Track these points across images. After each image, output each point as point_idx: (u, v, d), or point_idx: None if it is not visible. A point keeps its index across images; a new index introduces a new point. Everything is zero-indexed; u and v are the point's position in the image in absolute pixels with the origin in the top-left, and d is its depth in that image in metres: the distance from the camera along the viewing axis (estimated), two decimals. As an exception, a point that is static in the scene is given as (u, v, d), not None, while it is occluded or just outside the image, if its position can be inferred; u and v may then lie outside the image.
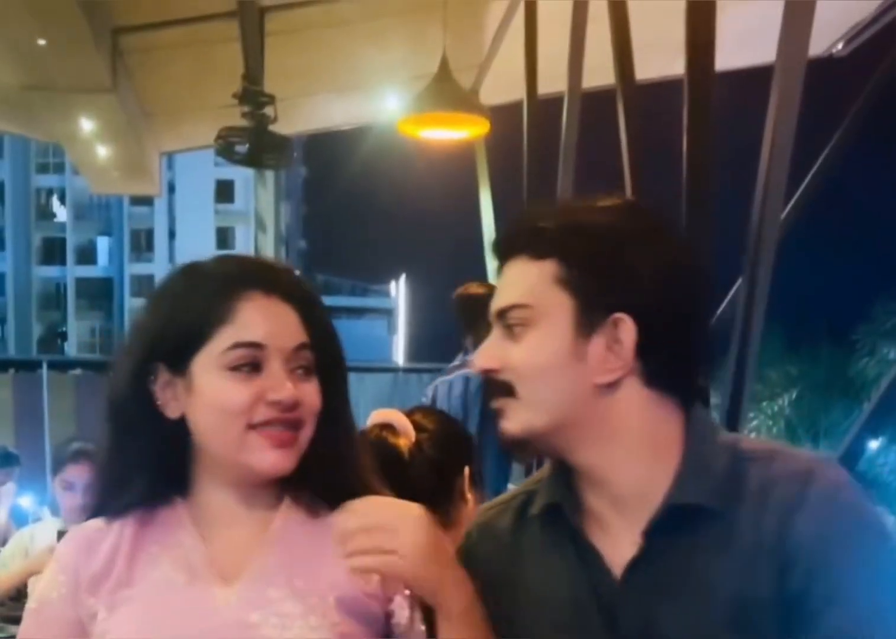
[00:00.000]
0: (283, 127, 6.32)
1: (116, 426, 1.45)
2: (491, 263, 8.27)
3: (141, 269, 57.66)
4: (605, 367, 1.32)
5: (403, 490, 2.07)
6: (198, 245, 53.51)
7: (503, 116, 6.88)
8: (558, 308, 1.33)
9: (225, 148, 6.17)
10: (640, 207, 1.42)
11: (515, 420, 1.36)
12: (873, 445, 17.56)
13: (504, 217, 7.55)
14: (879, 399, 6.03)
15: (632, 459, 1.34)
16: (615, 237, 1.33)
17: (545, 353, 1.33)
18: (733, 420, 4.78)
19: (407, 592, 1.45)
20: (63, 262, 58.95)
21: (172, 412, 1.43)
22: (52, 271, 59.03)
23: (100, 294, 58.76)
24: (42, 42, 5.97)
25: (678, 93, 5.03)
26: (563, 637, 1.38)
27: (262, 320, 1.42)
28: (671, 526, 1.31)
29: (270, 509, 1.48)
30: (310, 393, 1.43)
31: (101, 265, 59.39)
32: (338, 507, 1.46)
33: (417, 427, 2.18)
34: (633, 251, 1.32)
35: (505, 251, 1.40)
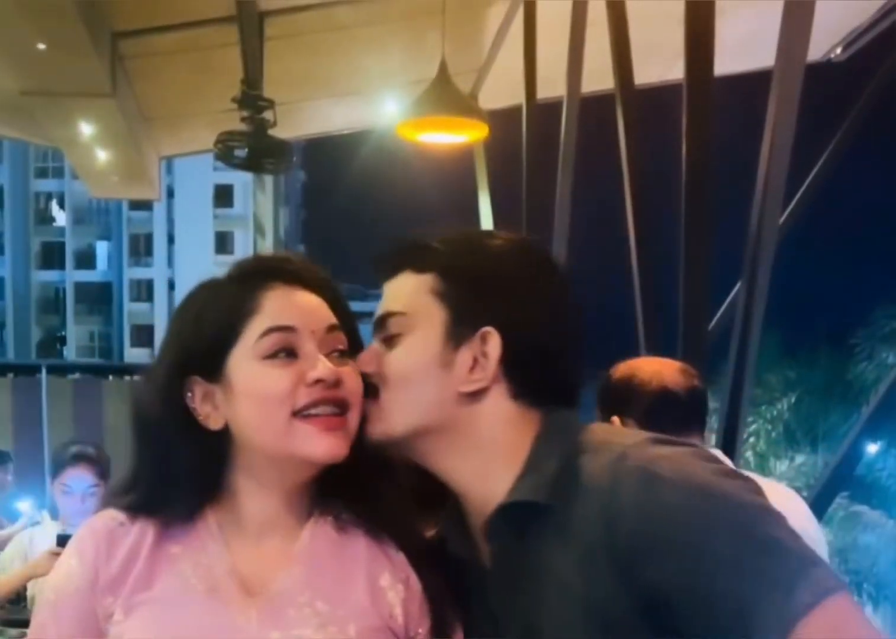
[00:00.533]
0: (282, 131, 6.32)
1: (153, 446, 1.43)
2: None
3: (140, 273, 57.71)
4: (469, 377, 1.36)
5: None
6: (197, 250, 53.57)
7: (502, 121, 6.90)
8: (431, 318, 1.38)
9: (224, 152, 6.18)
10: (530, 241, 1.49)
11: (375, 423, 1.40)
12: (872, 449, 17.56)
13: (503, 221, 7.56)
14: (878, 403, 6.04)
15: (489, 470, 1.37)
16: (496, 259, 1.41)
17: (413, 358, 1.38)
18: (732, 424, 4.79)
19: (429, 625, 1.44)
20: (62, 266, 58.95)
21: (216, 423, 1.41)
22: (51, 276, 59.04)
23: (99, 299, 58.76)
24: (42, 47, 5.97)
25: (677, 97, 5.04)
26: None
27: (289, 305, 1.41)
28: (512, 527, 1.34)
29: (300, 522, 1.45)
30: (349, 374, 1.41)
31: (101, 270, 59.40)
32: (368, 519, 1.45)
33: None
34: (512, 274, 1.40)
35: (389, 268, 1.45)
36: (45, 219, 59.94)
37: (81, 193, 47.19)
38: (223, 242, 56.31)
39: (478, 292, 1.38)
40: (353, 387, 1.41)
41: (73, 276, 58.36)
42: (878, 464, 18.44)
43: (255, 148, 6.07)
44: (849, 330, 20.08)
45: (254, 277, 1.43)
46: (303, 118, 7.39)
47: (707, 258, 5.22)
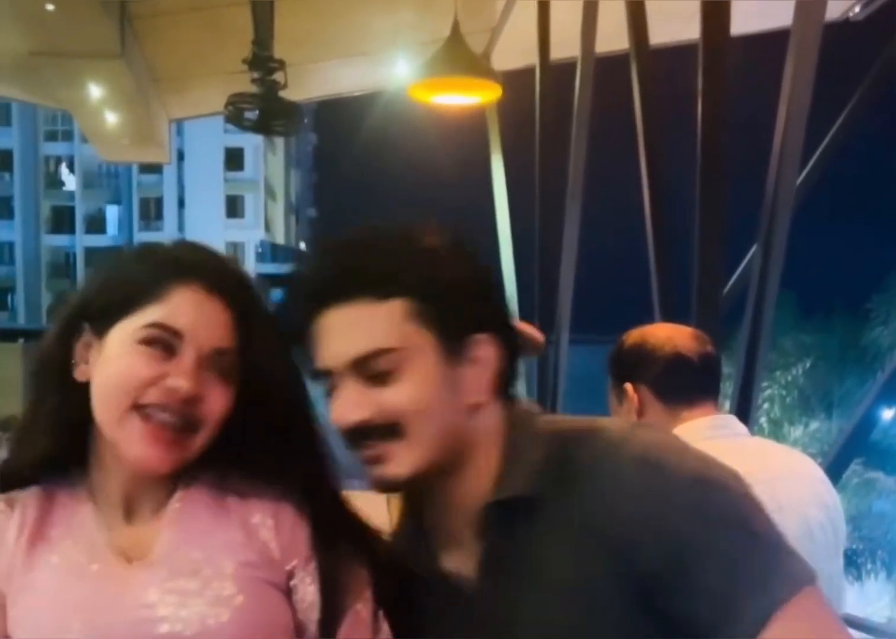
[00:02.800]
0: (293, 93, 6.27)
1: (35, 384, 1.42)
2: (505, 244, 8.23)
3: (150, 237, 57.63)
4: (475, 388, 1.33)
5: None
6: (207, 213, 53.63)
7: (515, 82, 6.82)
8: (421, 343, 1.30)
9: (234, 114, 6.13)
10: (430, 227, 1.39)
11: (403, 462, 1.32)
12: (887, 414, 17.56)
13: (516, 184, 7.51)
14: (893, 369, 6.01)
15: (482, 471, 1.34)
16: (452, 264, 1.33)
17: (424, 389, 1.30)
18: (746, 390, 4.76)
19: (312, 563, 1.40)
20: (72, 231, 59.04)
21: (80, 375, 1.39)
22: (61, 240, 59.13)
23: (110, 263, 58.85)
24: (50, 7, 5.92)
25: (693, 58, 4.98)
26: None
27: (190, 311, 1.38)
28: (502, 525, 1.31)
29: (169, 490, 1.41)
30: (216, 396, 1.37)
31: (111, 234, 59.48)
32: (238, 469, 1.42)
33: None
34: (470, 274, 1.34)
35: (331, 297, 1.32)
36: (55, 183, 59.99)
37: (91, 157, 47.16)
38: (234, 206, 56.35)
39: (455, 304, 1.31)
40: (212, 408, 1.37)
41: (83, 240, 58.45)
42: (894, 430, 18.46)
43: (265, 110, 6.02)
44: (864, 295, 20.06)
45: (178, 265, 1.40)
46: (313, 80, 7.33)
47: (722, 222, 5.19)
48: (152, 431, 1.35)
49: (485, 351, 1.32)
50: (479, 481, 1.33)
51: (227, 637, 1.31)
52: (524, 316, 6.80)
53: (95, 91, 7.12)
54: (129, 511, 1.40)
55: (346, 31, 7.04)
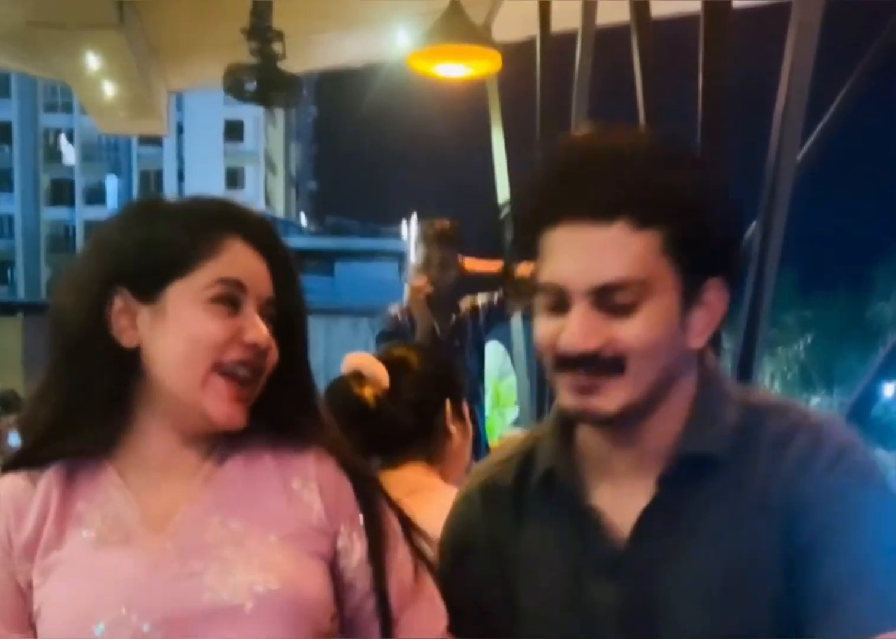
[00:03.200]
0: (292, 65, 6.24)
1: (61, 353, 1.38)
2: (511, 210, 8.17)
3: (151, 210, 57.55)
4: (700, 332, 1.30)
5: (377, 437, 2.07)
6: (207, 186, 53.30)
7: (516, 54, 6.77)
8: (667, 280, 1.26)
9: (233, 85, 6.11)
10: (706, 159, 1.36)
11: (615, 398, 1.27)
12: (888, 390, 17.58)
13: (517, 157, 7.47)
14: (895, 344, 5.99)
15: (669, 415, 1.32)
16: (710, 198, 1.28)
17: (661, 328, 1.26)
18: (746, 366, 4.74)
19: (359, 519, 1.41)
20: (72, 203, 58.90)
21: (129, 341, 1.36)
22: (60, 213, 58.99)
23: (109, 236, 58.71)
24: (47, -23, 5.87)
25: (694, 29, 4.95)
26: (559, 609, 1.34)
27: (245, 262, 1.38)
28: (682, 477, 1.29)
29: (203, 456, 1.41)
30: (274, 347, 1.39)
31: (111, 207, 59.22)
32: (272, 434, 1.43)
33: (399, 367, 2.16)
34: (727, 211, 1.30)
35: (593, 210, 1.25)
36: (54, 155, 59.80)
37: (91, 129, 46.92)
38: (234, 178, 56.24)
39: (705, 244, 1.26)
40: (272, 359, 1.39)
41: (82, 213, 58.28)
42: (895, 406, 18.48)
43: (264, 81, 6.00)
44: (866, 271, 20.04)
45: (218, 220, 1.39)
46: (313, 51, 7.28)
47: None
48: (236, 389, 1.36)
49: (717, 296, 1.29)
50: (663, 429, 1.31)
51: (275, 605, 1.30)
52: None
53: (94, 62, 7.07)
54: (165, 477, 1.39)
55: (345, 2, 6.99)
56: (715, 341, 2.39)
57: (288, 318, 1.42)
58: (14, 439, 6.96)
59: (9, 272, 57.90)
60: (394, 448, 2.14)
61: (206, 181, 53.40)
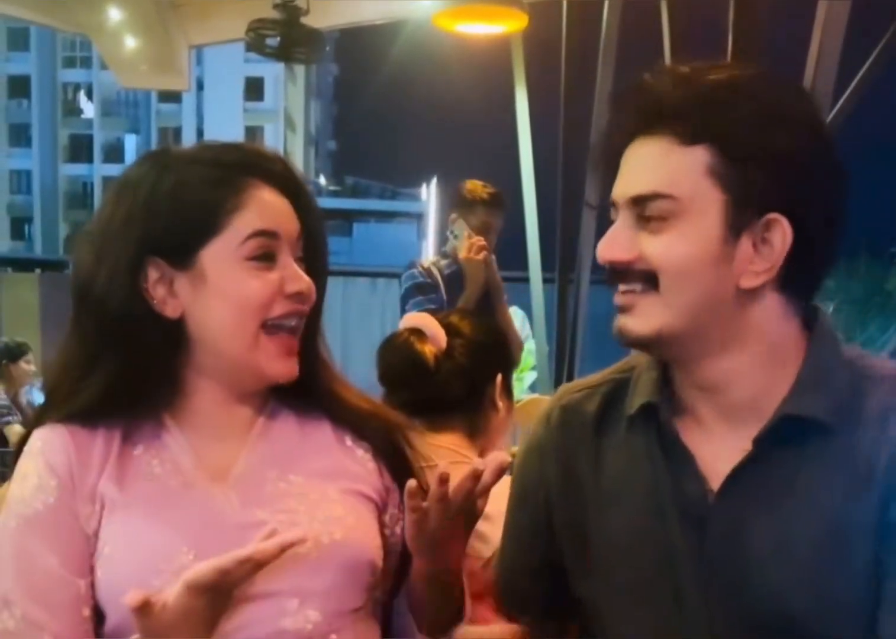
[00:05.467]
0: (314, 20, 6.17)
1: (105, 330, 1.34)
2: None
3: (169, 167, 57.52)
4: (751, 270, 1.24)
5: (427, 397, 2.05)
6: (226, 144, 53.40)
7: (541, 13, 6.68)
8: (709, 203, 1.21)
9: (255, 41, 6.05)
10: (780, 80, 1.28)
11: (650, 318, 1.25)
12: (910, 361, 17.53)
13: (541, 118, 7.40)
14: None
15: (755, 369, 1.27)
16: (772, 123, 1.21)
17: (693, 249, 1.22)
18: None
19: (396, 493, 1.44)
20: (90, 160, 58.89)
21: (173, 311, 1.34)
22: (79, 169, 59.01)
23: (127, 193, 58.73)
24: (68, -73, 5.81)
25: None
26: (637, 544, 1.31)
27: (273, 208, 1.36)
28: (782, 436, 1.25)
29: (255, 413, 1.42)
30: (314, 287, 1.40)
31: (129, 164, 59.28)
32: (325, 408, 1.44)
33: (452, 332, 2.14)
34: (792, 141, 1.21)
35: (636, 127, 1.25)
36: (73, 110, 59.76)
37: (110, 85, 46.93)
38: (253, 137, 56.03)
39: (765, 172, 1.19)
40: (313, 299, 1.39)
41: (101, 170, 58.29)
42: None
43: (286, 36, 5.93)
44: (889, 240, 19.90)
45: (236, 168, 1.35)
46: (336, 7, 7.20)
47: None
48: (286, 343, 1.35)
49: (777, 235, 1.22)
50: (756, 380, 1.27)
51: (338, 555, 1.32)
52: (545, 254, 6.74)
53: (115, 14, 7.04)
54: (219, 433, 1.39)
55: (369, -44, 6.92)
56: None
57: (312, 253, 1.42)
58: (35, 395, 7.00)
59: (26, 228, 58.04)
60: (440, 412, 2.11)
61: (224, 139, 53.33)
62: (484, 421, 2.14)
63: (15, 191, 58.03)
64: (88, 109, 59.25)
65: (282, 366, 1.36)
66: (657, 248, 1.22)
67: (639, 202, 1.23)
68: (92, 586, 1.31)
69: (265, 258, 1.34)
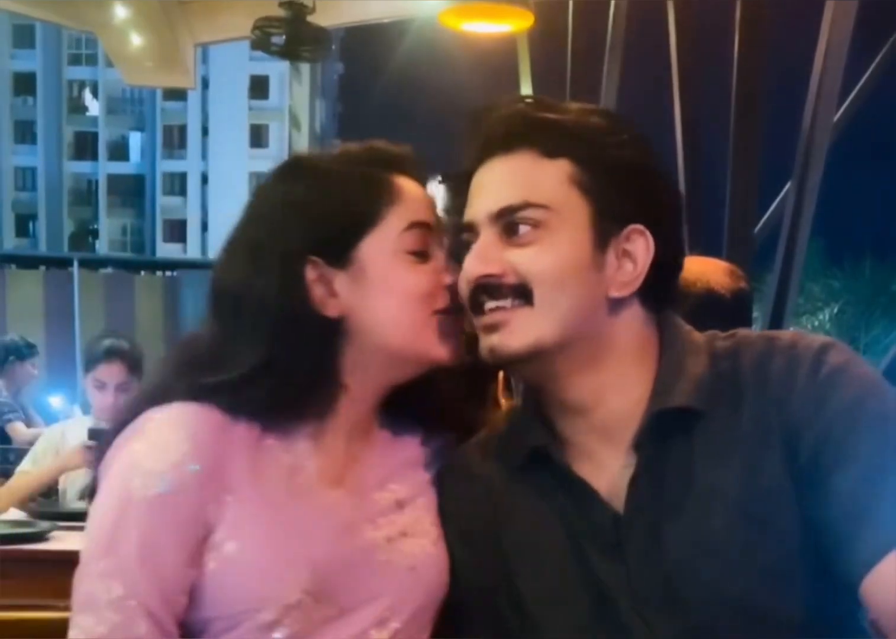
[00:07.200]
0: (320, 19, 6.17)
1: (269, 335, 1.31)
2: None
3: (173, 166, 57.58)
4: (620, 280, 1.26)
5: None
6: (231, 143, 53.44)
7: (547, 12, 6.68)
8: (576, 211, 1.24)
9: (261, 39, 6.06)
10: (619, 114, 1.35)
11: (524, 332, 1.25)
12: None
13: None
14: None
15: (621, 381, 1.28)
16: (620, 139, 1.27)
17: (565, 258, 1.24)
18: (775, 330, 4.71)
19: None
20: (95, 157, 58.86)
21: (334, 311, 1.33)
22: (83, 167, 58.96)
23: (131, 191, 58.74)
24: (74, -76, 5.82)
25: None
26: (566, 597, 1.29)
27: (424, 200, 1.38)
28: (662, 436, 1.25)
29: (373, 420, 1.43)
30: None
31: (134, 162, 59.31)
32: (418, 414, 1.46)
33: None
34: (637, 155, 1.27)
35: (500, 143, 1.27)
36: (78, 108, 59.68)
37: (115, 82, 46.95)
38: (258, 136, 56.03)
39: (623, 186, 1.24)
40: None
41: (105, 167, 58.29)
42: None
43: (292, 34, 5.94)
44: (894, 242, 19.88)
45: (380, 163, 1.37)
46: (342, 5, 7.20)
47: (756, 159, 5.12)
48: (455, 323, 1.36)
49: (639, 245, 1.25)
50: (624, 391, 1.28)
51: (432, 569, 1.35)
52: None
53: (121, 11, 7.05)
54: (342, 435, 1.39)
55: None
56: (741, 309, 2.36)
57: None
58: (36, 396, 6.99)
59: (31, 225, 58.06)
60: None
61: (229, 137, 53.37)
62: (487, 419, 2.15)
63: (20, 188, 58.00)
64: (93, 107, 59.18)
65: (449, 346, 1.36)
66: (528, 259, 1.23)
67: (505, 215, 1.25)
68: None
69: (421, 252, 1.35)
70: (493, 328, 1.26)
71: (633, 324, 1.29)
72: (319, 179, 1.35)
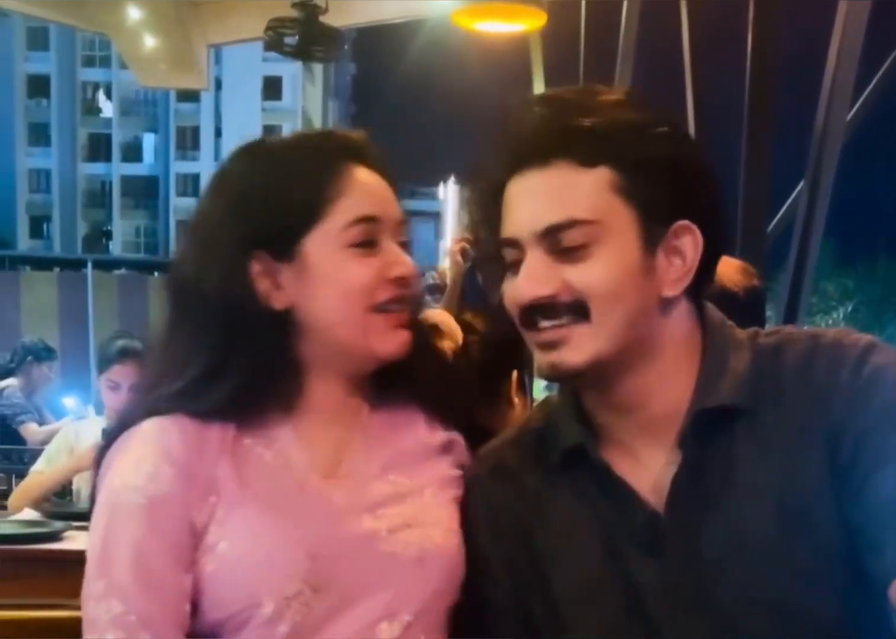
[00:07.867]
0: (333, 19, 6.18)
1: (224, 330, 1.32)
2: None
3: (186, 167, 57.68)
4: (671, 279, 1.24)
5: None
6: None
7: (560, 11, 6.68)
8: (622, 220, 1.21)
9: (274, 40, 6.07)
10: (649, 102, 1.29)
11: (584, 347, 1.23)
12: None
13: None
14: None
15: (668, 378, 1.27)
16: (656, 135, 1.23)
17: (618, 270, 1.21)
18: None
19: None
20: (108, 159, 59.01)
21: (279, 303, 1.34)
22: (97, 168, 59.11)
23: (145, 193, 58.89)
24: (88, -74, 5.84)
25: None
26: (597, 596, 1.28)
27: (373, 193, 1.37)
28: (705, 434, 1.24)
29: (360, 406, 1.42)
30: (414, 270, 1.40)
31: (147, 163, 59.45)
32: (417, 397, 1.45)
33: (467, 329, 2.14)
34: (677, 150, 1.24)
35: (534, 155, 1.23)
36: (92, 109, 59.84)
37: (129, 84, 47.05)
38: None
39: (665, 183, 1.21)
40: (417, 284, 1.40)
41: (119, 169, 58.43)
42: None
43: (305, 35, 5.96)
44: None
45: (333, 153, 1.36)
46: (354, 5, 7.20)
47: (769, 158, 5.11)
48: (395, 322, 1.35)
49: (687, 241, 1.23)
50: (668, 389, 1.26)
51: (440, 559, 1.34)
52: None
53: (134, 13, 7.07)
54: (327, 424, 1.39)
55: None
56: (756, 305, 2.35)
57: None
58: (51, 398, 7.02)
59: (45, 227, 58.22)
60: None
61: (242, 139, 53.38)
62: (500, 418, 2.14)
63: (34, 190, 58.19)
64: (107, 108, 59.33)
65: (392, 341, 1.35)
66: (582, 276, 1.21)
67: (554, 232, 1.21)
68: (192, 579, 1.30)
69: (367, 244, 1.34)
70: (551, 346, 1.24)
71: (681, 320, 1.27)
72: (269, 170, 1.35)
